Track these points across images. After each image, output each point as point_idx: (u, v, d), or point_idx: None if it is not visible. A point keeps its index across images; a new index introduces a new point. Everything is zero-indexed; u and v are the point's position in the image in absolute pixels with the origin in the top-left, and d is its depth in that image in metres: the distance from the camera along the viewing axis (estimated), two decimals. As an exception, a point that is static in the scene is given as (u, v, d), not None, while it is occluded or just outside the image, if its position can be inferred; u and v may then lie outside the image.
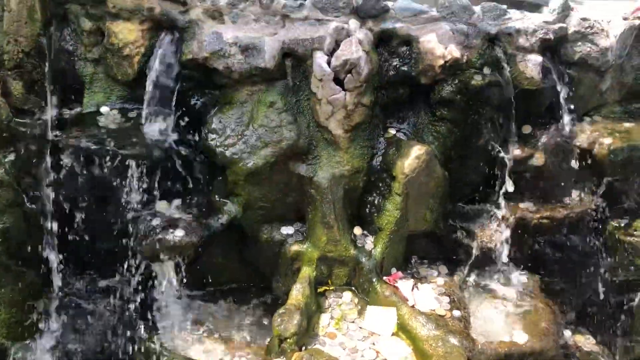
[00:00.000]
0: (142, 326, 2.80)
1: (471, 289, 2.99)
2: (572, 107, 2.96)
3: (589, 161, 3.02)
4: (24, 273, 2.85)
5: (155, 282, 2.89)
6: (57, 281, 2.93)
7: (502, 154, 2.94)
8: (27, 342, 2.91)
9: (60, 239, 2.86)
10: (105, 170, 2.75)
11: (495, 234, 2.99)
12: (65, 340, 2.94)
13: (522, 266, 3.11)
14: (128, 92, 2.92)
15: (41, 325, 2.93)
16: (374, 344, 2.61)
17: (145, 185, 2.75)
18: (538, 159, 2.97)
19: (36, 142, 2.77)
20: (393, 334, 2.65)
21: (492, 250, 3.00)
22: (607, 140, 2.96)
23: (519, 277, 3.07)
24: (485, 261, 3.02)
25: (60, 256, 2.90)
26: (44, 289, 2.95)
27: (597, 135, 3.00)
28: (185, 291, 2.99)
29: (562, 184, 3.05)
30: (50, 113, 2.81)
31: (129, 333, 2.89)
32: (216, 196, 2.88)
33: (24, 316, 2.89)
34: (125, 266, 2.86)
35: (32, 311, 2.92)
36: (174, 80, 2.79)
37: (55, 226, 2.84)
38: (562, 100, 2.93)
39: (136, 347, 2.78)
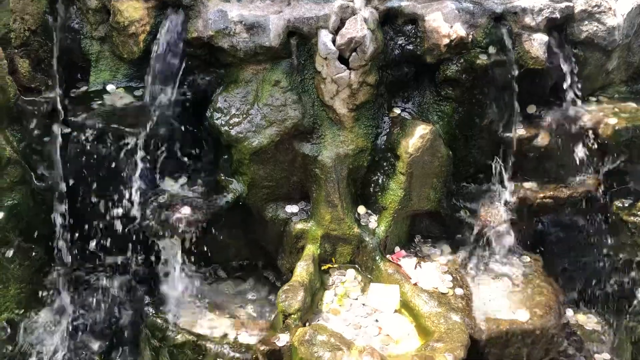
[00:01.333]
0: (149, 302, 2.84)
1: (474, 267, 3.01)
2: (577, 87, 2.95)
3: (594, 141, 3.01)
4: (32, 249, 2.90)
5: (162, 258, 2.93)
6: (65, 257, 2.97)
7: (506, 134, 2.94)
8: (38, 317, 2.96)
9: (68, 216, 2.90)
10: (112, 147, 2.78)
11: (498, 213, 3.00)
12: (73, 315, 2.99)
13: (525, 245, 3.13)
14: (134, 70, 2.94)
15: (50, 301, 2.98)
16: (376, 320, 2.65)
17: (151, 163, 2.78)
18: (542, 139, 2.97)
19: (43, 120, 2.80)
20: (396, 311, 2.68)
21: (496, 229, 3.01)
22: (612, 120, 2.95)
23: (522, 256, 3.09)
24: (489, 240, 3.03)
25: (69, 233, 2.94)
26: (52, 265, 2.99)
27: (602, 116, 2.99)
28: (192, 268, 3.03)
29: (566, 164, 3.05)
30: (57, 91, 2.83)
31: (136, 309, 2.95)
32: (222, 175, 2.90)
33: (32, 291, 2.94)
34: (132, 243, 2.90)
35: (41, 287, 2.97)
36: (180, 58, 2.80)
37: (63, 203, 2.88)
38: (567, 80, 2.92)
39: (143, 322, 2.83)
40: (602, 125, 2.97)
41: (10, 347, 2.90)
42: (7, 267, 2.87)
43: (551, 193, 3.04)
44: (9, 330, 2.90)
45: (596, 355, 3.10)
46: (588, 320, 3.29)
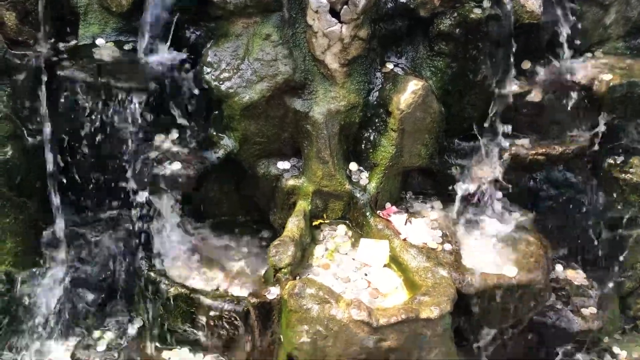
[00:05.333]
0: (143, 256, 2.88)
1: (464, 224, 3.03)
2: (573, 42, 2.90)
3: (588, 98, 2.99)
4: (26, 204, 2.93)
5: (155, 213, 2.96)
6: (60, 212, 3.00)
7: (500, 90, 2.92)
8: (34, 270, 3.01)
9: (60, 171, 2.91)
10: (102, 102, 2.76)
11: (490, 170, 3.00)
12: (69, 268, 3.04)
13: (516, 202, 3.14)
14: (123, 24, 2.89)
15: (47, 255, 3.03)
16: (366, 274, 2.68)
17: (141, 118, 2.77)
18: (536, 95, 2.94)
19: (32, 74, 2.77)
20: (385, 266, 2.72)
21: (487, 186, 3.02)
22: (607, 77, 2.92)
23: (513, 213, 3.10)
24: (480, 197, 3.05)
25: (62, 188, 2.96)
26: (48, 220, 3.03)
27: (597, 72, 2.95)
28: (184, 223, 3.06)
29: (560, 120, 3.03)
30: (45, 45, 2.80)
31: (130, 263, 2.99)
32: (213, 130, 2.90)
33: (29, 246, 2.99)
34: (125, 198, 2.92)
35: (37, 241, 3.01)
36: (170, 12, 2.75)
37: (55, 159, 2.89)
38: (563, 35, 2.87)
39: (137, 276, 2.88)
40: (596, 82, 2.93)
41: (8, 299, 2.97)
42: (3, 221, 2.91)
43: (544, 150, 3.02)
44: (6, 282, 2.96)
45: (583, 310, 3.15)
46: (577, 276, 3.33)
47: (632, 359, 3.82)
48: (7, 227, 2.93)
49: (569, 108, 3.00)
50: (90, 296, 3.03)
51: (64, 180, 2.94)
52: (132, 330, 2.97)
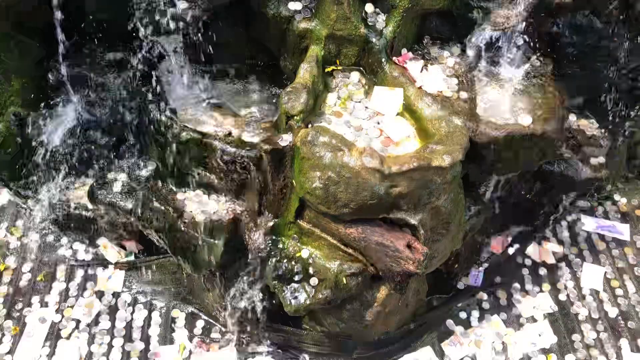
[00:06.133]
0: (152, 100, 2.83)
1: (482, 70, 2.93)
2: None
3: None
4: (30, 45, 2.84)
5: (162, 56, 2.86)
6: (65, 53, 2.91)
7: None
8: (44, 111, 3.00)
9: (63, 10, 2.76)
10: None
11: (513, 14, 2.83)
12: (78, 111, 3.03)
13: (537, 49, 3.01)
14: None
15: (54, 96, 3.00)
16: (378, 122, 2.65)
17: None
18: None
19: None
20: (398, 114, 2.68)
21: (509, 31, 2.87)
22: None
23: (533, 60, 2.99)
24: (500, 42, 2.91)
25: (66, 28, 2.83)
26: (52, 62, 2.95)
27: None
28: (193, 66, 2.96)
29: (595, -40, 2.80)
30: None
31: (140, 106, 2.96)
32: (219, -34, 2.70)
33: (36, 87, 2.95)
34: (130, 39, 2.80)
35: (43, 82, 2.96)
36: None
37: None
38: None
39: (148, 120, 2.86)
40: None
41: (20, 140, 2.99)
42: (6, 61, 2.83)
43: (571, -8, 2.83)
44: (16, 123, 2.97)
45: (592, 159, 3.17)
46: (589, 126, 3.31)
47: (632, 206, 3.96)
48: (13, 68, 2.87)
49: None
50: (101, 138, 3.04)
51: (68, 21, 2.80)
52: (145, 172, 3.03)
